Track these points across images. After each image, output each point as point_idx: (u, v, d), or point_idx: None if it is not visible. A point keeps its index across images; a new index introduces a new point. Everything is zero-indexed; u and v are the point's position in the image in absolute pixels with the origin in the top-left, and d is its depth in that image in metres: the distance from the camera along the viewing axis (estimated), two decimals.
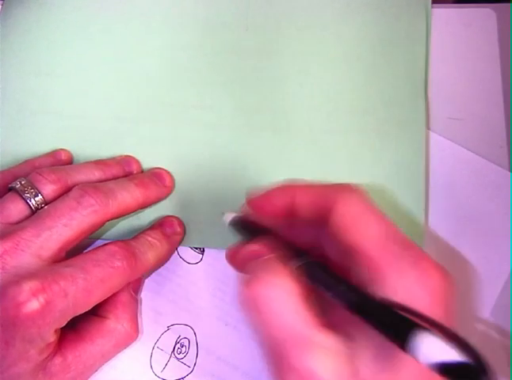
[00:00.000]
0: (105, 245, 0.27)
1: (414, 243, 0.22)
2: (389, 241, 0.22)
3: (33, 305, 0.24)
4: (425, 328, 0.18)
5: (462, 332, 0.19)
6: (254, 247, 0.24)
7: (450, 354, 0.17)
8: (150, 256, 0.29)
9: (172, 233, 0.31)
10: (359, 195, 0.23)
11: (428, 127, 0.33)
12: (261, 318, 0.21)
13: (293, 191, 0.25)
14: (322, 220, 0.23)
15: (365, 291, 0.21)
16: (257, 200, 0.26)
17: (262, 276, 0.22)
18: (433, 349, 0.17)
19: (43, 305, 0.24)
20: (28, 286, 0.24)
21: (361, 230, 0.22)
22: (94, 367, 0.28)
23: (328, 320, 0.22)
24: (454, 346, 0.17)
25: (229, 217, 0.28)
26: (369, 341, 0.21)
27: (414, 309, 0.19)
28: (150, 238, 0.30)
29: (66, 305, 0.25)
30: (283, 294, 0.21)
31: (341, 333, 0.21)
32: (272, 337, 0.21)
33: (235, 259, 0.26)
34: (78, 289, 0.25)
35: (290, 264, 0.23)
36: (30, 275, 0.24)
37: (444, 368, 0.17)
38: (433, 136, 0.33)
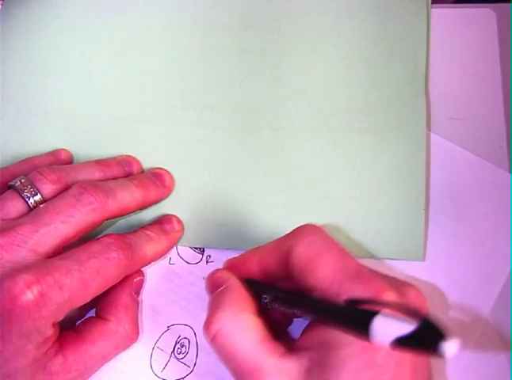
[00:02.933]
0: (101, 237, 0.28)
1: (365, 269, 0.24)
2: (339, 277, 0.23)
3: (27, 297, 0.24)
4: (375, 313, 0.19)
5: None
6: (219, 274, 0.28)
7: (400, 327, 0.17)
8: (148, 249, 0.29)
9: (171, 229, 0.31)
10: (309, 236, 0.25)
11: (428, 128, 0.33)
12: (222, 353, 0.24)
13: (255, 258, 0.27)
14: (287, 269, 0.25)
15: (325, 300, 0.23)
16: (233, 263, 0.29)
17: (221, 315, 0.25)
18: (386, 329, 0.18)
19: (37, 297, 0.24)
20: (22, 279, 0.24)
21: (312, 274, 0.24)
22: (94, 368, 0.28)
23: (298, 343, 0.25)
24: (406, 319, 0.18)
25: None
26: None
27: (370, 299, 0.21)
28: (148, 232, 0.30)
29: (62, 298, 0.25)
30: (241, 330, 0.24)
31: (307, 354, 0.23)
32: (233, 369, 0.24)
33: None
34: (74, 281, 0.25)
35: (257, 297, 0.26)
36: (24, 268, 0.25)
37: (402, 342, 0.17)
38: (433, 136, 0.33)
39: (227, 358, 0.24)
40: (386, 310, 0.19)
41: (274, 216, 0.32)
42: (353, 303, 0.21)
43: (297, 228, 0.26)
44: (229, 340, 0.24)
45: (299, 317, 0.25)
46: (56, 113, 0.34)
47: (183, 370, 0.30)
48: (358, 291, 0.22)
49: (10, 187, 0.28)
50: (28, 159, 0.32)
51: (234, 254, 0.31)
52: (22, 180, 0.28)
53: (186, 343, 0.30)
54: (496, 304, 0.30)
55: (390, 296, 0.22)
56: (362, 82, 0.34)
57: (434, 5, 0.35)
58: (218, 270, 0.28)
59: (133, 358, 0.30)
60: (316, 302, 0.23)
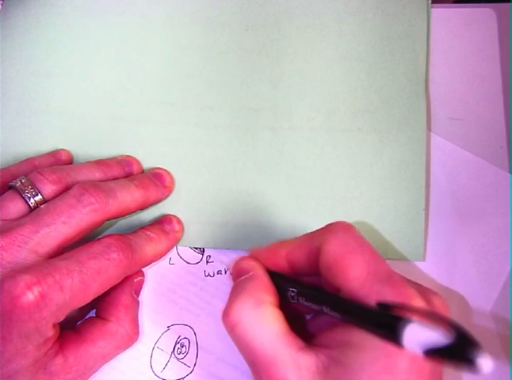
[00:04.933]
0: (101, 237, 0.28)
1: (395, 274, 0.23)
2: (370, 279, 0.23)
3: (28, 298, 0.24)
4: (409, 320, 0.19)
5: None
6: (246, 261, 0.27)
7: (435, 338, 0.17)
8: (148, 250, 0.29)
9: (171, 229, 0.31)
10: (343, 234, 0.25)
11: (428, 128, 0.33)
12: (240, 344, 0.24)
13: (284, 251, 0.27)
14: (316, 265, 0.25)
15: (353, 301, 0.23)
16: (260, 255, 0.28)
17: (242, 305, 0.24)
18: (419, 337, 0.18)
19: (37, 298, 0.24)
20: (22, 280, 0.24)
21: (343, 273, 0.23)
22: (94, 368, 0.28)
23: (317, 340, 0.24)
24: (440, 329, 0.18)
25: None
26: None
27: (401, 304, 0.21)
28: (148, 232, 0.30)
29: (62, 299, 0.25)
30: (261, 322, 0.24)
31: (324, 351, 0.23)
32: (250, 360, 0.24)
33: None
34: (74, 281, 0.25)
35: (282, 290, 0.26)
36: (25, 269, 0.25)
37: (435, 352, 0.18)
38: (433, 137, 0.33)
39: (245, 348, 0.24)
40: (417, 317, 0.19)
41: (274, 216, 0.32)
42: (384, 307, 0.21)
43: (330, 224, 0.26)
44: (248, 330, 0.24)
45: (324, 313, 0.24)
46: (56, 113, 0.34)
47: (183, 370, 0.30)
48: (388, 296, 0.22)
49: (11, 187, 0.28)
50: (29, 159, 0.32)
51: (234, 254, 0.32)
52: (23, 181, 0.28)
53: (186, 343, 0.30)
54: (496, 304, 0.30)
55: (419, 303, 0.22)
56: (362, 82, 0.34)
57: (434, 5, 0.35)
58: (245, 257, 0.28)
59: (133, 358, 0.30)
60: (345, 302, 0.23)
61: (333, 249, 0.24)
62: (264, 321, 0.24)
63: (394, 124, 0.33)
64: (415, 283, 0.26)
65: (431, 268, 0.31)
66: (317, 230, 0.26)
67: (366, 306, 0.22)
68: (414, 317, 0.19)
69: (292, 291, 0.25)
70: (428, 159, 0.33)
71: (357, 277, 0.23)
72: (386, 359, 0.21)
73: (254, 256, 0.28)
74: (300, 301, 0.25)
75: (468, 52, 0.35)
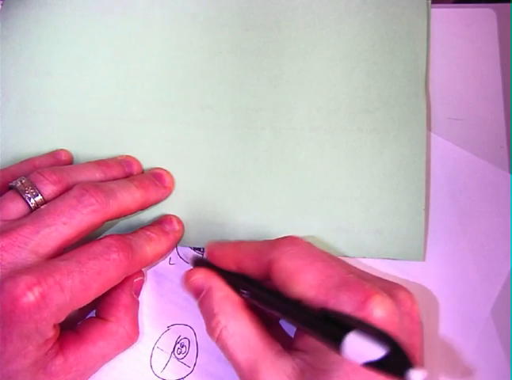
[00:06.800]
0: (101, 238, 0.28)
1: (350, 276, 0.24)
2: (324, 286, 0.24)
3: (28, 298, 0.24)
4: (353, 330, 0.20)
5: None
6: (195, 277, 0.28)
7: (371, 349, 0.19)
8: (148, 250, 0.29)
9: (171, 229, 0.31)
10: (290, 248, 0.25)
11: (428, 128, 0.33)
12: (225, 354, 0.26)
13: (237, 254, 0.27)
14: (265, 275, 0.26)
15: (303, 306, 0.23)
16: (213, 253, 0.29)
17: (217, 320, 0.26)
18: (358, 348, 0.19)
19: (38, 298, 0.24)
20: (23, 281, 0.24)
21: (297, 285, 0.24)
22: (94, 368, 0.28)
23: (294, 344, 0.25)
24: (378, 341, 0.19)
25: (190, 255, 0.31)
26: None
27: (346, 314, 0.22)
28: (148, 232, 0.30)
29: (63, 299, 0.25)
30: (239, 330, 0.25)
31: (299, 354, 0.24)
32: (236, 367, 0.25)
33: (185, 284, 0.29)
34: (75, 282, 0.25)
35: (240, 292, 0.27)
36: (25, 269, 0.25)
37: (371, 364, 0.19)
38: (433, 137, 0.33)
39: (230, 358, 0.26)
40: (358, 329, 0.20)
41: (274, 216, 0.32)
42: (329, 315, 0.22)
43: (278, 239, 0.27)
44: (230, 341, 0.25)
45: (277, 318, 0.26)
46: (56, 113, 0.34)
47: (183, 370, 0.30)
48: (345, 298, 0.23)
49: (11, 188, 0.28)
50: (29, 160, 0.32)
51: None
52: (23, 181, 0.28)
53: (186, 343, 0.30)
54: (496, 304, 0.30)
55: (377, 300, 0.22)
56: (362, 82, 0.34)
57: (434, 5, 0.35)
58: (192, 271, 0.28)
59: (133, 358, 0.30)
60: (294, 307, 0.24)
61: (283, 266, 0.25)
62: (242, 329, 0.25)
63: (394, 124, 0.33)
64: (379, 279, 0.26)
65: (431, 268, 0.31)
66: (265, 244, 0.27)
67: (312, 313, 0.23)
68: (357, 329, 0.20)
69: (243, 292, 0.26)
70: (428, 159, 0.33)
71: (311, 286, 0.24)
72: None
73: (207, 254, 0.29)
74: (253, 302, 0.26)
75: (468, 52, 0.35)
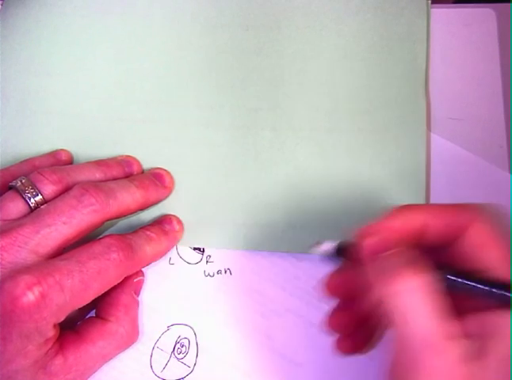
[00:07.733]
0: (101, 238, 0.28)
1: None
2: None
3: (28, 298, 0.24)
4: None
5: None
6: (372, 241, 0.24)
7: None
8: (148, 250, 0.29)
9: (170, 229, 0.31)
10: (489, 219, 0.24)
11: (428, 128, 0.33)
12: (397, 315, 0.22)
13: (422, 214, 0.25)
14: (450, 240, 0.24)
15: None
16: (376, 226, 0.25)
17: (403, 273, 0.22)
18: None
19: (38, 298, 0.24)
20: (23, 280, 0.24)
21: (489, 255, 0.23)
22: (94, 368, 0.28)
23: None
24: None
25: (327, 245, 0.27)
26: None
27: None
28: (148, 232, 0.30)
29: (63, 299, 0.25)
30: (422, 294, 0.22)
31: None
32: (405, 336, 0.21)
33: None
34: (75, 282, 0.25)
35: (428, 275, 0.23)
36: (25, 269, 0.25)
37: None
38: (433, 137, 0.33)
39: (400, 320, 0.22)
40: None
41: (274, 216, 0.32)
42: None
43: (471, 206, 0.24)
44: (407, 302, 0.22)
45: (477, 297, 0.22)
46: (56, 113, 0.34)
47: (183, 370, 0.30)
48: None
49: (11, 187, 0.28)
50: (29, 160, 0.32)
51: (234, 254, 0.32)
52: (23, 181, 0.28)
53: (186, 343, 0.30)
54: None
55: None
56: (362, 82, 0.34)
57: (434, 5, 0.35)
58: (375, 227, 0.25)
59: (133, 358, 0.30)
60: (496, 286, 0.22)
61: (480, 234, 0.23)
62: (424, 295, 0.22)
63: (394, 124, 0.33)
64: None
65: None
66: (459, 207, 0.24)
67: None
68: None
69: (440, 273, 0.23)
70: (428, 159, 0.33)
71: (500, 260, 0.22)
72: None
73: (390, 217, 0.25)
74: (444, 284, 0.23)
75: (467, 52, 0.35)
